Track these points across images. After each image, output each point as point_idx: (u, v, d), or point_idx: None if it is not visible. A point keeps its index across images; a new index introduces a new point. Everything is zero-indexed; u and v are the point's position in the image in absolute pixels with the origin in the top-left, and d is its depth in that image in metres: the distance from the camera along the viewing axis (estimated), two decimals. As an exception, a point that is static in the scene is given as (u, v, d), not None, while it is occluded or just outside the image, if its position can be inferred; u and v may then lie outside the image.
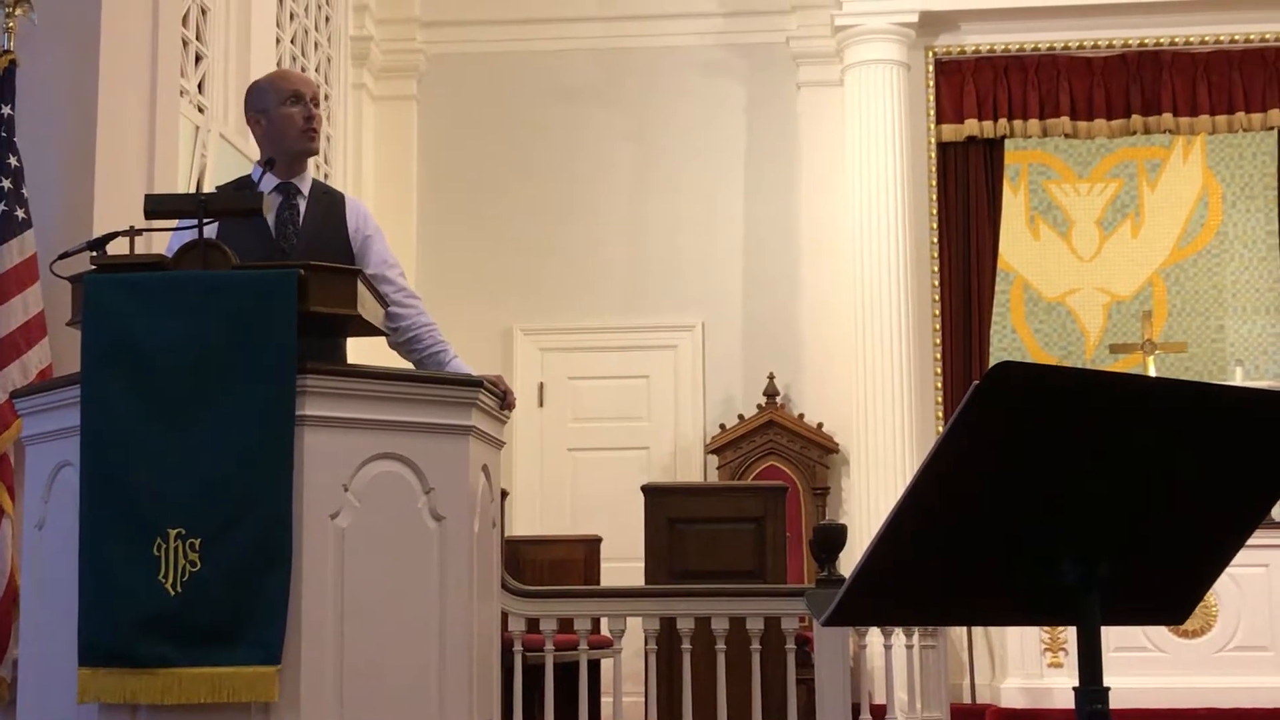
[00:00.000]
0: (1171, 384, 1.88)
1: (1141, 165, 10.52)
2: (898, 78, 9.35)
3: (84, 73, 5.25)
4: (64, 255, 3.82)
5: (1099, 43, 9.45)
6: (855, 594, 1.88)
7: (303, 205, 4.27)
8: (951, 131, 9.53)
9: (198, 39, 7.63)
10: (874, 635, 6.73)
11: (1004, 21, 9.44)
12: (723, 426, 9.58)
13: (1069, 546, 1.89)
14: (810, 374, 9.66)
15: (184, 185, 6.70)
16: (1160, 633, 8.09)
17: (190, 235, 3.69)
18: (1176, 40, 9.44)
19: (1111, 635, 7.81)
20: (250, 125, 4.36)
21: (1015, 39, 9.49)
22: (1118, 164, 10.53)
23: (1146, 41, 9.43)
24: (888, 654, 6.11)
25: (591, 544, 7.87)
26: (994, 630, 8.61)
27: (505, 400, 4.01)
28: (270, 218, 4.19)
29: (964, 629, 8.45)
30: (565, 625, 5.88)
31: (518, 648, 5.72)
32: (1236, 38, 9.42)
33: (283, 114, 4.24)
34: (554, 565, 7.63)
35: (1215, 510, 2.00)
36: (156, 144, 5.55)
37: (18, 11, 5.06)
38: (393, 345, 4.39)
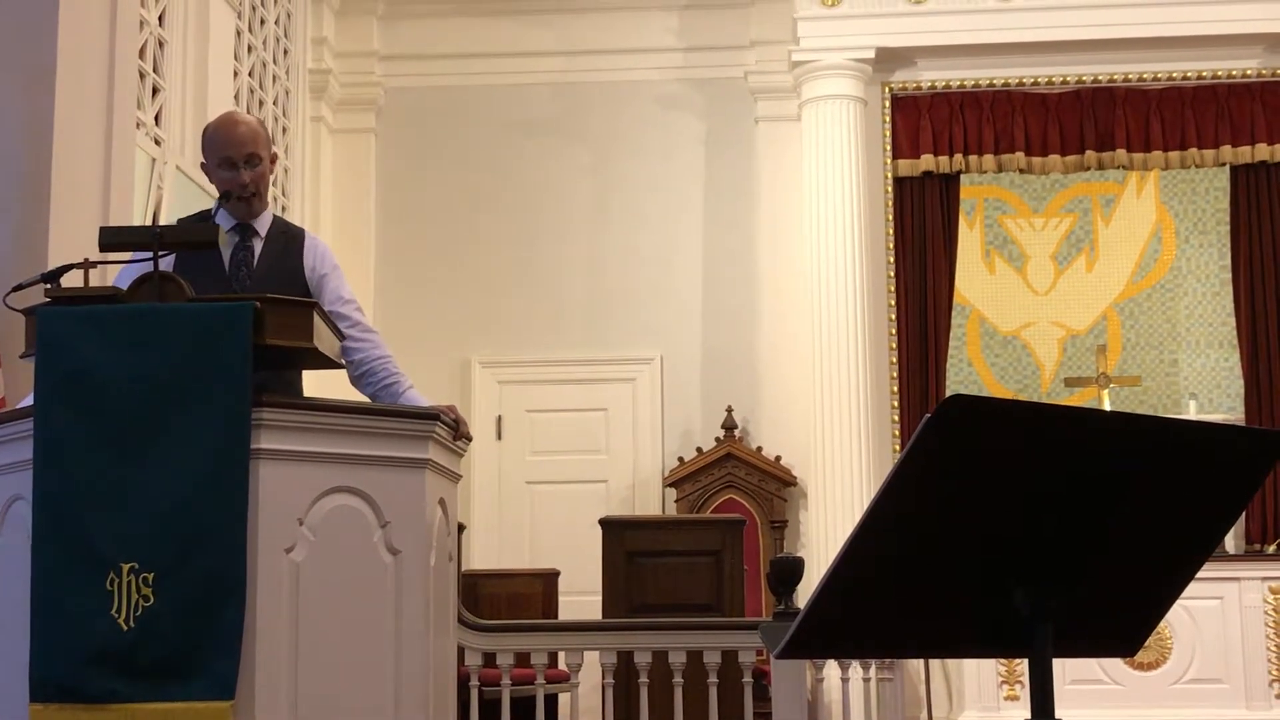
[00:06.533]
0: (1122, 417, 1.90)
1: (1096, 200, 10.60)
2: (854, 113, 9.41)
3: (39, 104, 5.23)
4: (18, 287, 3.79)
5: (1053, 79, 9.54)
6: (809, 626, 1.88)
7: (258, 246, 4.24)
8: (908, 166, 9.58)
9: (155, 71, 7.60)
10: (831, 668, 6.73)
11: (960, 58, 9.51)
12: (681, 460, 9.57)
13: (1020, 578, 1.90)
14: (768, 407, 9.68)
15: (140, 218, 6.67)
16: (1115, 665, 8.12)
17: (141, 268, 3.67)
18: (1130, 77, 9.53)
19: (1067, 667, 7.85)
20: (204, 171, 4.35)
21: (971, 75, 9.56)
22: (1072, 199, 10.61)
23: (1100, 78, 9.52)
24: (845, 687, 6.11)
25: (549, 578, 7.85)
26: (951, 663, 8.63)
27: (458, 430, 3.99)
28: (225, 256, 4.16)
29: (921, 661, 8.45)
30: (522, 659, 5.86)
31: (474, 682, 5.70)
32: (1189, 75, 9.52)
33: (218, 177, 4.19)
34: (511, 599, 7.60)
35: (1167, 542, 2.01)
36: (112, 176, 5.53)
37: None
38: (351, 380, 4.37)
